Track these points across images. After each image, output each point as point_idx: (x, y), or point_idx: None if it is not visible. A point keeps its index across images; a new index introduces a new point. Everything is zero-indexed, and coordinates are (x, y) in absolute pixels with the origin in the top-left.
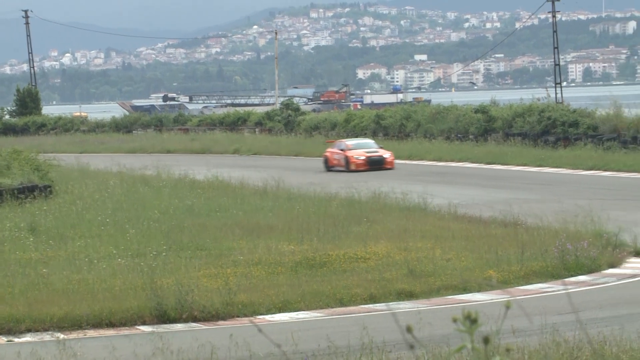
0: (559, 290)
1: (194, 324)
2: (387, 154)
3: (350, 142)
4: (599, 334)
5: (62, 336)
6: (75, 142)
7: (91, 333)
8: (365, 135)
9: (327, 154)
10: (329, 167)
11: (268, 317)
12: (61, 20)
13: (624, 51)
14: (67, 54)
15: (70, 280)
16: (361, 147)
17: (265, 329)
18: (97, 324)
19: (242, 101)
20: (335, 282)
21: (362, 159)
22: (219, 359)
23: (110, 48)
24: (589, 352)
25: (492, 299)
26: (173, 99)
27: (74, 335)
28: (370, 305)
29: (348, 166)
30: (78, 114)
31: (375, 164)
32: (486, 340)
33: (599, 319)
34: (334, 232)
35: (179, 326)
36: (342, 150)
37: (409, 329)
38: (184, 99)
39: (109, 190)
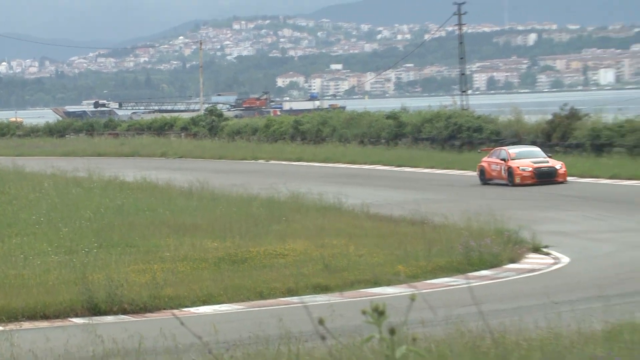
0: (463, 284)
1: (123, 316)
2: (558, 165)
3: (513, 150)
4: (500, 324)
5: (0, 327)
6: (11, 146)
7: (26, 325)
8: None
9: (484, 164)
10: (485, 179)
11: (193, 310)
12: None
13: (525, 61)
14: (3, 63)
15: (7, 275)
16: (527, 157)
17: (190, 321)
18: (32, 316)
19: (169, 107)
20: (256, 276)
21: (529, 171)
22: (147, 348)
23: (44, 57)
24: (490, 341)
25: (401, 292)
26: (104, 105)
27: (10, 326)
28: (288, 298)
29: (512, 179)
30: (14, 119)
31: (545, 177)
32: (392, 331)
33: (500, 311)
34: (255, 231)
35: (109, 318)
36: (503, 159)
37: (320, 321)
38: (114, 105)
39: (43, 191)
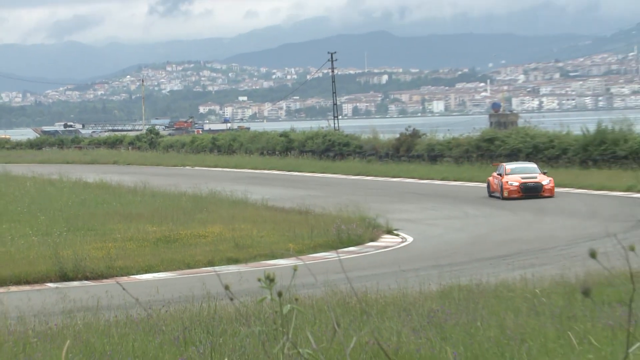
0: (335, 257)
1: (86, 282)
2: (546, 181)
3: (510, 165)
4: (363, 287)
5: None
6: (1, 156)
7: (13, 288)
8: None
9: (490, 178)
10: (490, 192)
11: (137, 277)
12: None
13: (380, 95)
14: None
15: None
16: (519, 172)
17: (136, 285)
18: (17, 282)
19: (120, 128)
20: (184, 252)
21: (516, 186)
22: (103, 305)
23: (26, 90)
24: (355, 299)
25: (290, 263)
26: (71, 126)
27: (1, 290)
28: (209, 268)
29: (502, 192)
30: (3, 136)
31: (530, 192)
32: (280, 294)
33: (363, 277)
34: (183, 218)
35: (75, 283)
36: (499, 174)
37: (226, 287)
38: (78, 126)
39: (25, 189)
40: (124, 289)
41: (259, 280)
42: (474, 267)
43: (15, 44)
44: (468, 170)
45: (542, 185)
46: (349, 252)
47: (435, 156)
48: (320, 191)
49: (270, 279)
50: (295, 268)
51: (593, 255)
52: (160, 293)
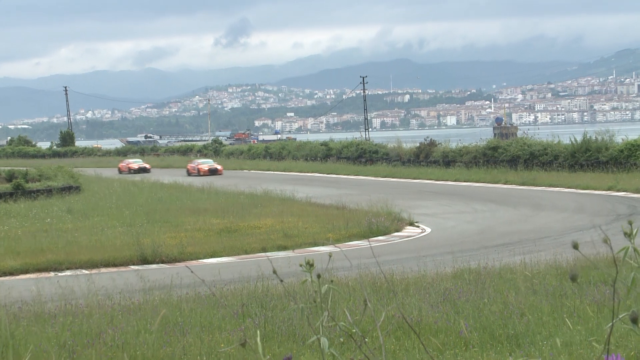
0: (367, 245)
1: (162, 265)
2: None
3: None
4: (390, 269)
5: (86, 272)
6: (94, 162)
7: (103, 270)
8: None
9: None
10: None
11: (204, 261)
12: (86, 92)
13: (403, 111)
14: (89, 111)
15: (91, 240)
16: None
17: (203, 267)
18: (106, 265)
19: (190, 138)
20: (242, 240)
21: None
22: (176, 284)
23: (114, 108)
24: (384, 279)
25: (330, 250)
26: (150, 137)
27: (94, 271)
28: (262, 254)
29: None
30: (96, 145)
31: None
32: (318, 276)
33: (389, 261)
34: (242, 212)
35: (153, 266)
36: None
37: (274, 271)
38: (156, 137)
39: (113, 188)
40: (192, 272)
41: (301, 265)
42: (482, 253)
43: (106, 70)
44: (476, 173)
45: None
46: (378, 241)
47: (449, 161)
48: (354, 190)
49: (310, 264)
50: (330, 255)
51: (575, 246)
52: (223, 274)
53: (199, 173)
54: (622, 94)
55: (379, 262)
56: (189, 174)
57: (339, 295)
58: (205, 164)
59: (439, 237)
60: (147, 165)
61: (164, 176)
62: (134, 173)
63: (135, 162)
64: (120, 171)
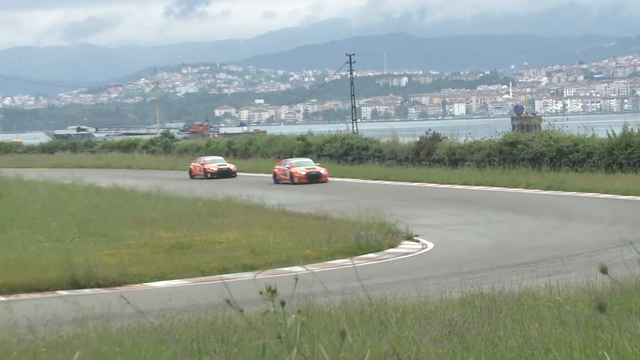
0: (356, 264)
1: (98, 289)
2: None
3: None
4: (382, 294)
5: (2, 298)
6: (13, 160)
7: (24, 296)
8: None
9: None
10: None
11: (151, 284)
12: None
13: (399, 98)
14: (7, 97)
15: (9, 258)
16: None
17: (150, 292)
18: (28, 290)
19: (133, 131)
20: (199, 258)
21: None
22: (115, 313)
23: (39, 93)
24: (375, 306)
25: (309, 271)
26: (84, 129)
27: (12, 297)
28: (224, 275)
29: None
30: (15, 140)
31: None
32: (282, 303)
33: (382, 284)
34: (198, 224)
35: (87, 291)
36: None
37: (227, 301)
38: (91, 129)
39: (37, 194)
40: (128, 302)
41: (260, 293)
42: (497, 274)
43: (29, 46)
44: (490, 175)
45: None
46: (368, 259)
47: (456, 160)
48: (339, 196)
49: (272, 291)
50: (296, 278)
51: (604, 270)
52: (174, 301)
53: (206, 174)
54: None
55: (366, 285)
56: (193, 175)
57: (317, 327)
58: (214, 162)
59: (444, 255)
60: (233, 167)
61: (100, 178)
62: (214, 177)
63: (215, 162)
64: (192, 174)
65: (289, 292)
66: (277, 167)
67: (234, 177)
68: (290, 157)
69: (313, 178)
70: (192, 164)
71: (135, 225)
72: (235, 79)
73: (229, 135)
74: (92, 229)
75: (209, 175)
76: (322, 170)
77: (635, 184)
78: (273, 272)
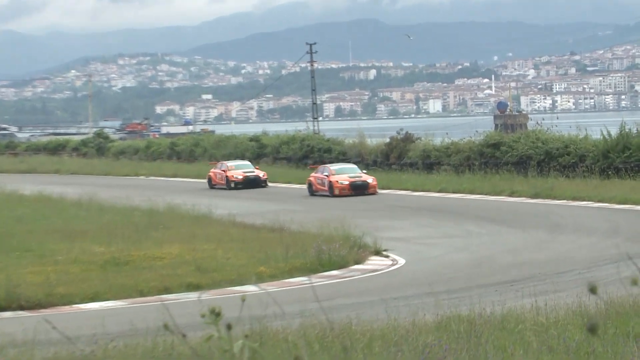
0: (316, 282)
1: (20, 312)
2: (370, 179)
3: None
4: (346, 317)
5: None
6: None
7: None
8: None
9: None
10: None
11: (82, 306)
12: None
13: (367, 93)
14: None
15: None
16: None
17: (80, 315)
18: None
19: (62, 131)
20: (137, 277)
21: (346, 184)
22: (41, 340)
23: None
24: (338, 330)
25: (263, 290)
26: (5, 129)
27: None
28: (165, 296)
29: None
30: None
31: (359, 189)
32: (229, 326)
33: (347, 305)
34: (136, 237)
35: (7, 314)
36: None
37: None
38: (14, 129)
39: None
40: (54, 327)
41: (202, 316)
42: (477, 294)
43: None
44: (469, 181)
45: (368, 183)
46: (331, 277)
47: (431, 164)
48: (298, 205)
49: (216, 314)
50: (243, 299)
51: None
52: (109, 325)
53: (230, 184)
54: None
55: (328, 306)
56: (213, 185)
57: (271, 354)
58: (239, 169)
59: (417, 272)
60: (262, 174)
61: (24, 185)
62: (239, 187)
63: (240, 168)
64: (212, 183)
65: (241, 315)
66: (313, 174)
67: (264, 186)
68: (241, 159)
69: (358, 189)
70: (212, 170)
71: (64, 238)
72: (179, 71)
73: (172, 135)
74: (13, 243)
75: (232, 185)
76: (370, 180)
77: (633, 191)
78: (221, 292)
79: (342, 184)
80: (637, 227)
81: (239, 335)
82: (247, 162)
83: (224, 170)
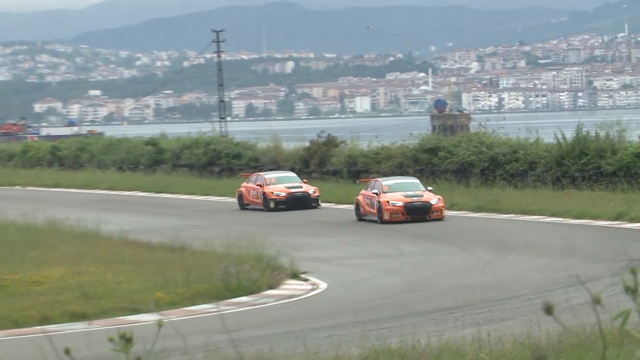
0: (222, 311)
1: None
2: (311, 190)
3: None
4: (258, 351)
5: None
6: None
7: None
8: None
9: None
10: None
11: None
12: None
13: (283, 89)
14: None
15: None
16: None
17: None
18: None
19: None
20: (11, 304)
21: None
22: None
23: None
24: None
25: (161, 319)
26: None
27: None
28: (45, 327)
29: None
30: None
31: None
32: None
33: (258, 337)
34: (10, 257)
35: None
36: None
37: (66, 351)
38: None
39: None
40: None
41: (110, 340)
42: (410, 324)
43: None
44: None
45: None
46: (240, 304)
47: (357, 172)
48: (202, 220)
49: (126, 339)
50: (160, 324)
51: (549, 310)
52: None
53: (268, 203)
54: (639, 63)
55: (237, 338)
56: (245, 205)
57: None
58: (281, 182)
59: (341, 298)
60: (313, 189)
61: None
62: (282, 209)
63: (282, 182)
64: (244, 203)
65: (135, 348)
66: (362, 192)
67: (315, 207)
68: (137, 167)
69: (417, 212)
70: (244, 185)
71: None
72: (62, 62)
73: (54, 138)
74: None
75: (272, 205)
76: (434, 200)
77: (591, 203)
78: (112, 322)
79: (395, 205)
80: (596, 246)
81: None
82: (291, 174)
83: (259, 185)
